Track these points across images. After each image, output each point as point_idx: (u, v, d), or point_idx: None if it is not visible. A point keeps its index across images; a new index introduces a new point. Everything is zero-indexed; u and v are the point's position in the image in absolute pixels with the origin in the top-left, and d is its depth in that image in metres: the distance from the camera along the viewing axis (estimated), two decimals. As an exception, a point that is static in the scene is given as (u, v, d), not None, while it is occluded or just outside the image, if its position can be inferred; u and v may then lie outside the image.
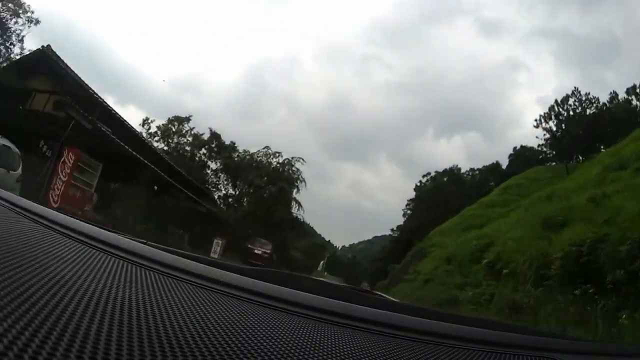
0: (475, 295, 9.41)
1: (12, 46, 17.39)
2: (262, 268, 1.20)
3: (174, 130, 27.30)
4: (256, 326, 0.53)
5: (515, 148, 41.71)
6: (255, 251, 21.75)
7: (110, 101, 26.23)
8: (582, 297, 6.23)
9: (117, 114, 16.48)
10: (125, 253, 0.69)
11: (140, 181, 14.86)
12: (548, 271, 7.60)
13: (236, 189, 28.00)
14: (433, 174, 45.04)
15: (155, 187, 16.86)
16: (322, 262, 31.85)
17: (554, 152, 35.00)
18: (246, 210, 26.07)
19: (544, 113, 33.88)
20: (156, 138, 26.80)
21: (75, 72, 14.21)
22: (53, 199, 11.03)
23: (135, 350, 0.37)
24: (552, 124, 32.89)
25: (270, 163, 28.17)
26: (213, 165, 28.17)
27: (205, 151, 27.88)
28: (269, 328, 0.53)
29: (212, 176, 27.88)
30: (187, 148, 27.50)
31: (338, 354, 0.50)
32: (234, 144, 28.27)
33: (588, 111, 32.36)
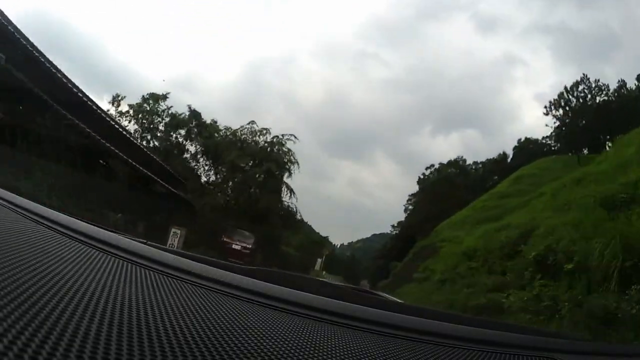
0: (527, 301, 7.24)
1: None
2: (261, 268, 1.19)
3: (148, 109, 23.48)
4: (256, 326, 0.53)
5: (519, 140, 40.31)
6: (234, 246, 18.16)
7: (109, 100, 24.73)
8: None
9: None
10: (125, 253, 0.69)
11: (70, 149, 11.41)
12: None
13: (217, 175, 23.71)
14: (437, 165, 42.42)
15: (102, 162, 13.91)
16: (319, 261, 28.86)
17: (560, 144, 34.00)
18: (225, 197, 22.14)
19: (554, 99, 33.13)
20: (127, 118, 23.25)
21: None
22: None
23: (135, 349, 0.37)
24: (561, 112, 32.21)
25: (257, 142, 23.55)
26: (193, 149, 24.19)
27: (183, 132, 23.87)
28: (269, 328, 0.53)
29: (191, 161, 23.99)
30: (161, 128, 23.64)
31: (338, 354, 0.50)
32: (216, 122, 24.09)
33: (598, 99, 31.50)
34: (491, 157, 42.29)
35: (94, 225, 0.86)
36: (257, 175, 22.51)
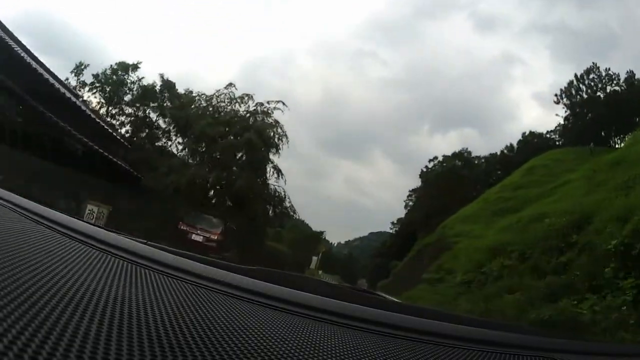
0: (619, 310, 5.15)
1: None
2: (261, 268, 1.18)
3: (114, 79, 20.11)
4: (256, 326, 0.53)
5: (524, 134, 39.18)
6: (194, 237, 14.31)
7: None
8: None
9: None
10: (125, 253, 0.69)
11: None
12: None
13: (186, 150, 18.99)
14: (440, 158, 40.09)
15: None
16: (315, 259, 25.66)
17: (564, 138, 33.17)
18: (192, 174, 16.74)
19: (564, 88, 32.82)
20: (88, 89, 20.06)
21: None
22: None
23: (135, 349, 0.37)
24: (567, 102, 31.84)
25: (236, 111, 18.70)
26: (164, 125, 20.12)
27: (155, 105, 20.06)
28: (268, 328, 0.53)
29: (161, 136, 19.99)
30: (127, 98, 20.02)
31: (338, 354, 0.50)
32: (191, 92, 19.52)
33: (608, 88, 31.10)
34: (494, 152, 40.76)
35: (94, 225, 0.86)
36: (233, 149, 17.80)
